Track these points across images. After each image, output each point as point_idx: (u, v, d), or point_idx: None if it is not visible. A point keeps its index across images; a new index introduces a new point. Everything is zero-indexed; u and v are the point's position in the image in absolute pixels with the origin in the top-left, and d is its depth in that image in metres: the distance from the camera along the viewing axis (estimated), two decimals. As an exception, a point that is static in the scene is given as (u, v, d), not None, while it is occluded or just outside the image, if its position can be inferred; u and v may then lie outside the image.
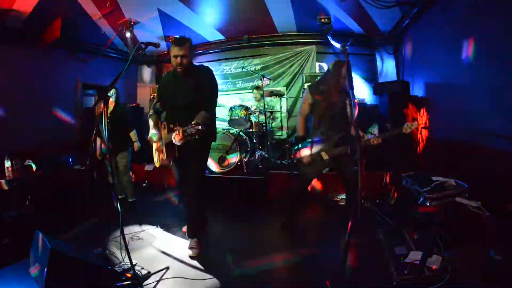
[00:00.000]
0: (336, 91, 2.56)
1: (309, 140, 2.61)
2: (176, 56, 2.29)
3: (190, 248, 2.48)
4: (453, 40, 3.04)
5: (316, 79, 3.62)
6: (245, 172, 4.15)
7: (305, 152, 2.57)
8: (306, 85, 4.63)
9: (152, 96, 5.64)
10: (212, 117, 2.51)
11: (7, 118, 3.88)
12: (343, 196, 3.58)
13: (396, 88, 4.20)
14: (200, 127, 2.02)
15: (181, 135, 2.05)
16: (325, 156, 2.56)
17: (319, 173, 2.63)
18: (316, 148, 2.58)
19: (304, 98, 2.71)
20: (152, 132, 2.45)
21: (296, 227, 3.04)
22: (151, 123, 2.51)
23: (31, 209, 3.14)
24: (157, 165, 2.59)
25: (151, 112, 2.58)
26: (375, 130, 3.65)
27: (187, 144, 2.25)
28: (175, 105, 2.44)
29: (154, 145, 2.61)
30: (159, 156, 2.52)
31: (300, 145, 2.63)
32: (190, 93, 2.36)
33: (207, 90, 2.38)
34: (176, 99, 2.42)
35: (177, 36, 2.35)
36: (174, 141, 2.14)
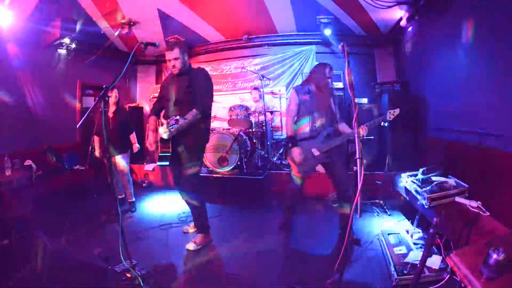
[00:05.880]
0: (321, 90, 2.67)
1: (299, 138, 2.68)
2: (169, 60, 2.48)
3: (191, 241, 2.60)
4: (453, 40, 3.04)
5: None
6: (245, 172, 4.15)
7: (296, 151, 2.60)
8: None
9: (152, 96, 5.64)
10: (205, 118, 2.60)
11: (7, 118, 3.88)
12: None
13: (395, 88, 4.20)
14: (179, 118, 2.19)
15: (165, 127, 2.25)
16: (316, 153, 2.61)
17: (312, 170, 2.66)
18: (306, 146, 2.63)
19: (290, 99, 2.78)
20: (149, 140, 2.61)
21: (295, 227, 3.05)
22: (150, 126, 2.64)
23: (31, 209, 3.13)
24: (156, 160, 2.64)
25: (150, 114, 2.72)
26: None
27: (180, 143, 2.45)
28: (169, 102, 2.55)
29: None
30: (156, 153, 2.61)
31: (290, 145, 2.68)
32: (182, 91, 2.49)
33: (198, 89, 2.48)
34: (170, 97, 2.55)
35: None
36: (160, 133, 2.34)
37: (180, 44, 2.52)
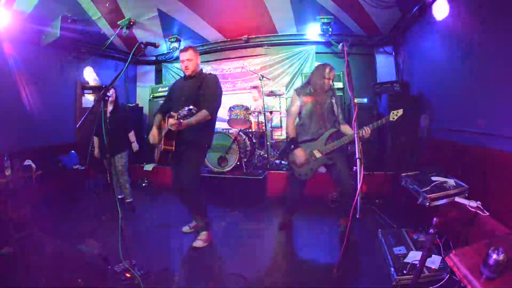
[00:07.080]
0: (322, 91, 2.66)
1: (301, 140, 2.67)
2: (182, 61, 2.59)
3: (198, 239, 2.64)
4: (452, 40, 3.04)
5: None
6: (245, 172, 4.15)
7: (298, 153, 2.59)
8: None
9: (151, 96, 5.63)
10: (211, 121, 2.61)
11: (7, 117, 3.87)
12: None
13: (395, 88, 4.20)
14: (192, 108, 2.20)
15: (175, 117, 2.27)
16: (317, 154, 2.60)
17: (314, 172, 2.65)
18: (308, 148, 2.62)
19: (292, 101, 2.77)
20: (152, 131, 2.61)
21: (295, 227, 3.04)
22: (155, 122, 2.66)
23: (31, 209, 3.13)
24: (156, 159, 2.63)
25: (157, 112, 2.74)
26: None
27: (183, 142, 2.45)
28: (178, 102, 2.56)
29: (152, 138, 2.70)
30: (157, 151, 2.59)
31: (292, 147, 2.66)
32: (192, 92, 2.54)
33: (208, 92, 2.53)
34: (180, 97, 2.59)
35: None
36: (169, 125, 2.32)
37: (194, 48, 2.63)
